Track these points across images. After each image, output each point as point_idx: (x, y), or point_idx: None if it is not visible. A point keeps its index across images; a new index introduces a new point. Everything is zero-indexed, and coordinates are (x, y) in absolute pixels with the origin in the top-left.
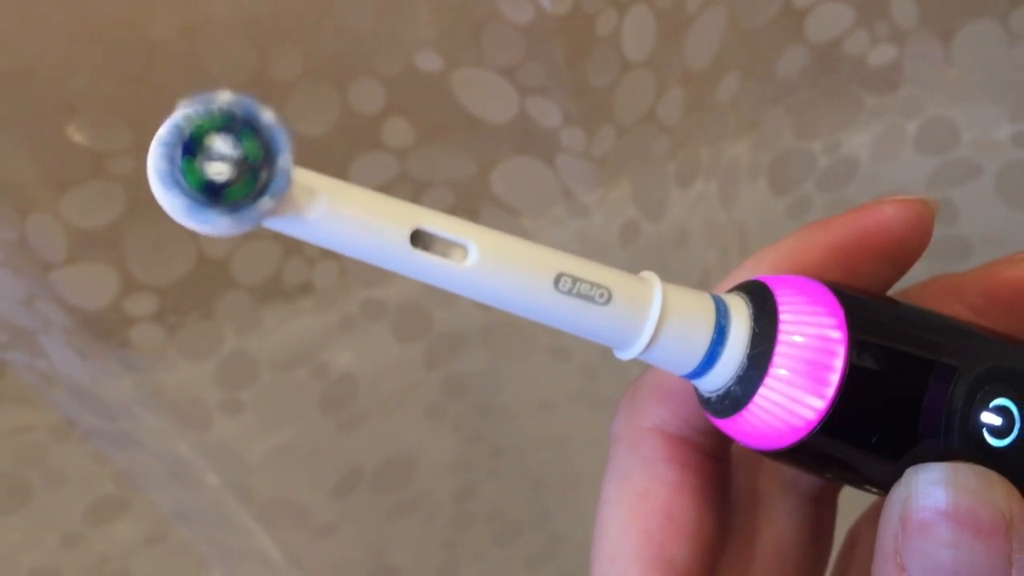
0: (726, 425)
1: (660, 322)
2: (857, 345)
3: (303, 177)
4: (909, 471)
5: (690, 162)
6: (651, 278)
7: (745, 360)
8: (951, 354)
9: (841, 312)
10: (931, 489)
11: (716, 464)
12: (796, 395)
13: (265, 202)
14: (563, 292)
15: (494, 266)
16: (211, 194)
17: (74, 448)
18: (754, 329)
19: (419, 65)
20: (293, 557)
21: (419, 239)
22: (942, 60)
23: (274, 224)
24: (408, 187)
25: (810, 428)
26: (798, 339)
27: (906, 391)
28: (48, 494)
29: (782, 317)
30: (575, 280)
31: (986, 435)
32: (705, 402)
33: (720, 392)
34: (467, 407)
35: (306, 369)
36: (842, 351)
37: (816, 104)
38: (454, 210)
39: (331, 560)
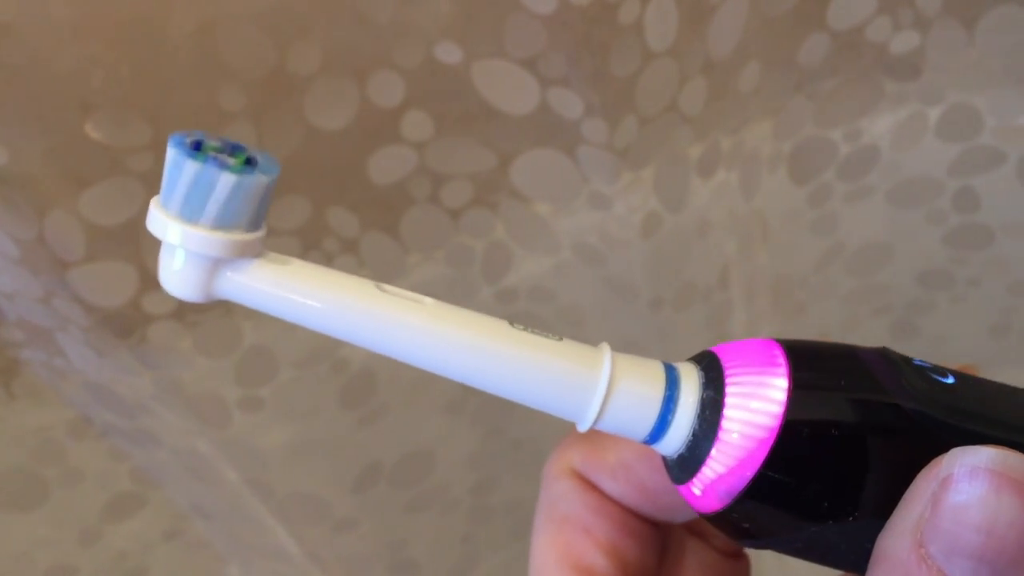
0: (701, 480)
1: (614, 366)
2: (791, 346)
3: (272, 254)
4: (954, 451)
5: (711, 152)
6: (602, 345)
7: (702, 389)
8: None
9: (771, 341)
10: (975, 473)
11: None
12: (758, 392)
13: (261, 177)
14: (519, 329)
15: (451, 308)
16: (216, 163)
17: (91, 445)
18: (699, 363)
19: (438, 57)
20: (312, 552)
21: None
22: (965, 46)
23: (255, 284)
24: (427, 180)
25: (783, 414)
26: (743, 353)
27: (854, 376)
28: (65, 491)
29: (720, 352)
30: (526, 326)
31: (935, 376)
32: (678, 463)
33: (691, 435)
34: (485, 401)
35: (325, 364)
36: (779, 351)
37: (838, 91)
38: (473, 203)
39: (350, 555)
